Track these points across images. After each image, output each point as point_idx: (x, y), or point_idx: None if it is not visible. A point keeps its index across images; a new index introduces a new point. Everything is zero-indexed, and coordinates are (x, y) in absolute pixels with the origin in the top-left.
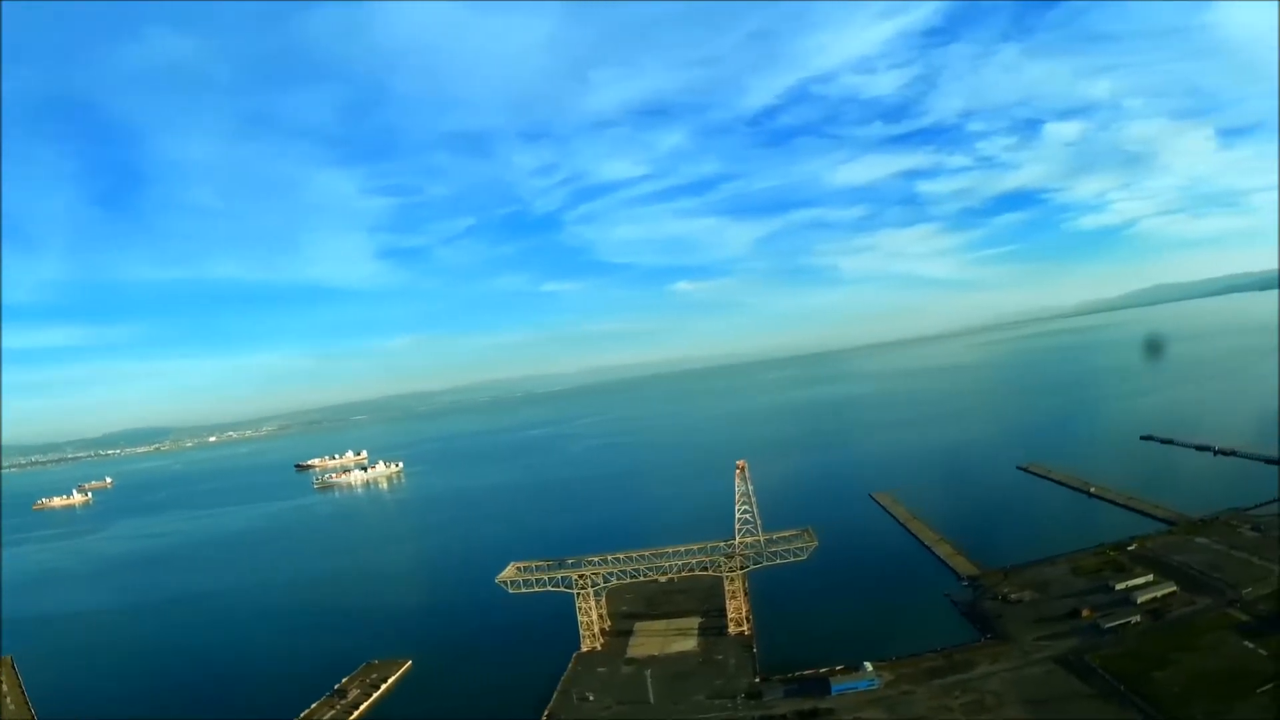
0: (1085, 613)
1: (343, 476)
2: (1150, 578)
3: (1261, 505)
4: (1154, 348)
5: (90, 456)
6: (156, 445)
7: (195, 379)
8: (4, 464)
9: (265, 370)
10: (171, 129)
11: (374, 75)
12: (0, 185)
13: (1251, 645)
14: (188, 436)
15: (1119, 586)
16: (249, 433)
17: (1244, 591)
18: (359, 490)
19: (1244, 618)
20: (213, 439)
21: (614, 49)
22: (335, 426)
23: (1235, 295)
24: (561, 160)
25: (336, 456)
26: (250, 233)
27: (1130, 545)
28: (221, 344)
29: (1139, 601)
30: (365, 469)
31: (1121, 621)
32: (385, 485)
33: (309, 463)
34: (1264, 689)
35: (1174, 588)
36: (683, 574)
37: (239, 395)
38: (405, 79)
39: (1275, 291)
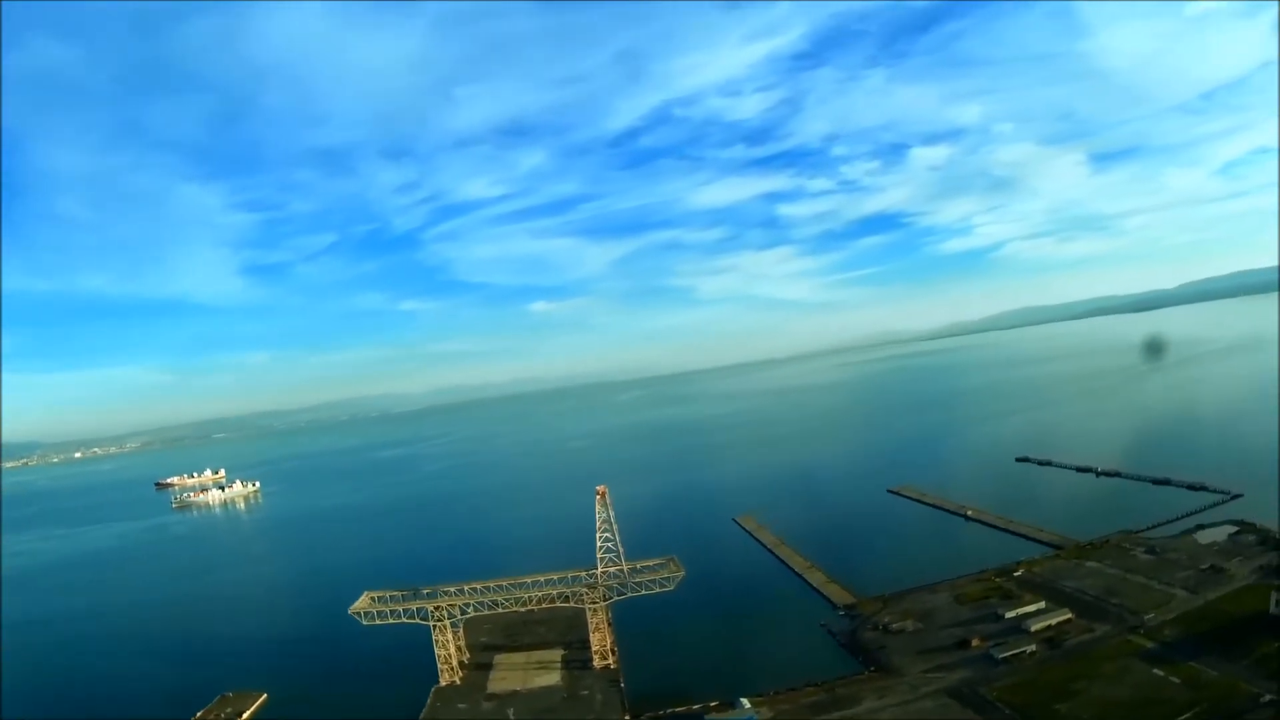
0: (975, 642)
1: (200, 495)
2: (1042, 604)
3: (1155, 526)
4: (1155, 349)
5: None
6: (24, 460)
7: (62, 392)
8: None
9: (129, 384)
10: (46, 137)
11: (243, 87)
12: None
13: (1161, 673)
14: (54, 451)
15: (1009, 614)
16: (113, 448)
17: (1146, 617)
18: (216, 510)
19: (1149, 644)
20: (78, 454)
21: (480, 66)
22: (197, 443)
23: (1102, 318)
24: (422, 178)
25: (195, 475)
26: (117, 245)
27: (1016, 571)
28: (87, 357)
29: (1033, 630)
30: (223, 488)
31: (1016, 651)
32: (242, 505)
33: (168, 481)
34: (1182, 718)
35: (1069, 614)
36: (544, 605)
37: (104, 409)
38: (273, 92)
39: (1144, 314)
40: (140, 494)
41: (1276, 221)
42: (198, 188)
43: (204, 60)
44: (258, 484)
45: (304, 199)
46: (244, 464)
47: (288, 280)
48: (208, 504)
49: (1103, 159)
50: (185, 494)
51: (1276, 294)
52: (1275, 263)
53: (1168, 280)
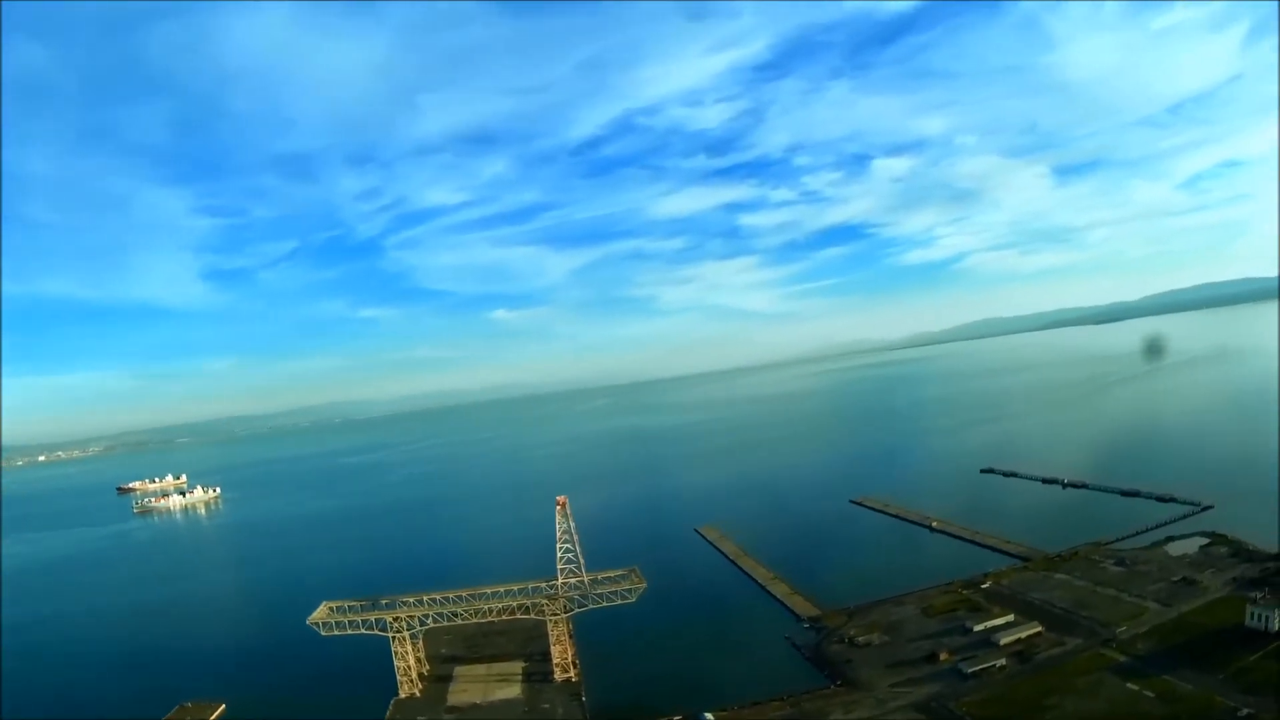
0: (943, 656)
1: (162, 501)
2: (1011, 617)
3: (1124, 538)
4: (1154, 350)
5: None
6: None
7: (27, 396)
8: None
9: (93, 389)
10: (16, 139)
11: (210, 91)
12: None
13: (1135, 687)
14: (19, 455)
15: (978, 627)
16: (77, 453)
17: (1118, 630)
18: (177, 515)
19: (1121, 658)
20: (42, 458)
21: (443, 73)
22: (160, 448)
23: (1063, 329)
24: (385, 185)
25: (157, 480)
26: (82, 249)
27: (984, 582)
28: (51, 361)
29: (1002, 643)
30: (184, 494)
31: (985, 665)
32: (203, 511)
33: (130, 486)
34: None
35: (1039, 628)
36: (504, 616)
37: (67, 413)
38: (239, 97)
39: (1107, 325)
40: (103, 499)
41: (1243, 234)
42: (163, 192)
43: (171, 64)
44: (218, 490)
45: (267, 205)
46: (206, 469)
47: (250, 286)
48: (169, 509)
49: (1066, 171)
50: (147, 499)
51: (1275, 302)
52: (1238, 275)
53: (1131, 292)
